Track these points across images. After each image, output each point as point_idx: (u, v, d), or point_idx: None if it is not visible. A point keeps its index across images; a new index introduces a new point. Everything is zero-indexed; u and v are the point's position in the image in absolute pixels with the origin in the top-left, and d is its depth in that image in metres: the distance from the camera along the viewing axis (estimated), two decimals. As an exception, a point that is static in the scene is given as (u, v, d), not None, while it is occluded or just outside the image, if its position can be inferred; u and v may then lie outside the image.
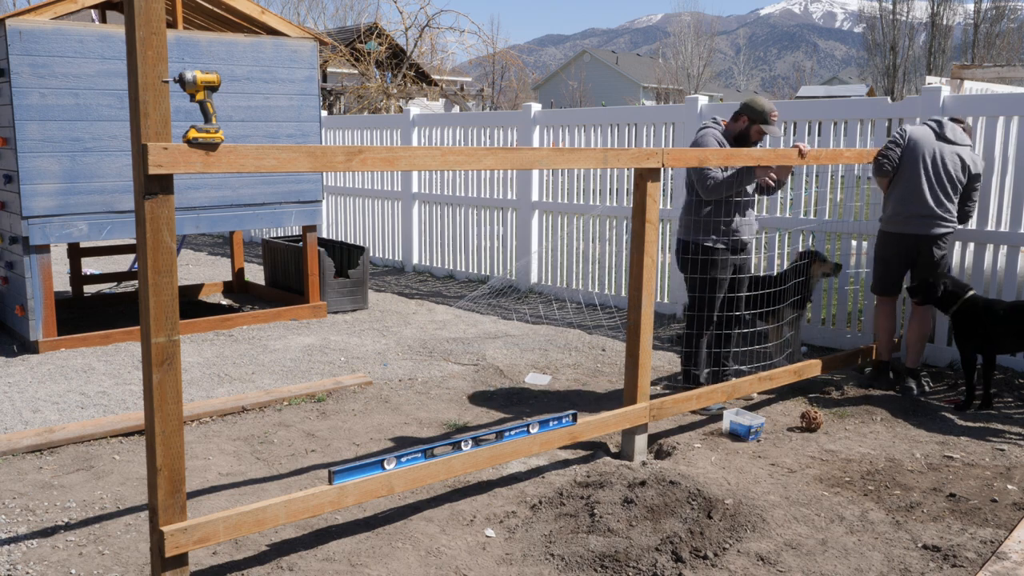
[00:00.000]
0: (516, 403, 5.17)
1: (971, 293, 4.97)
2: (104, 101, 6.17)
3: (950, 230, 5.18)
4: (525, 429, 3.75)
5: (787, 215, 6.68)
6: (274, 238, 8.50)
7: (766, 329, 5.59)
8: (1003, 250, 5.73)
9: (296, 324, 7.15)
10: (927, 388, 5.34)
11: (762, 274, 5.76)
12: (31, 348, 6.15)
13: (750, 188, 4.88)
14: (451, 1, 59.46)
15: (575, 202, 8.13)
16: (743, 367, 5.60)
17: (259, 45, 6.77)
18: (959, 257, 5.80)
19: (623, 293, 7.74)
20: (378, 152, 3.14)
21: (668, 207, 7.38)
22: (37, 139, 5.92)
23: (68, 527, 3.49)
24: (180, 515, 2.81)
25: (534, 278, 8.52)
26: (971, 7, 48.61)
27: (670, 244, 7.38)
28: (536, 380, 5.63)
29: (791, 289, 5.42)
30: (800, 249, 6.26)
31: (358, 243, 9.96)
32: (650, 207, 4.05)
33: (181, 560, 2.83)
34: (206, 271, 10.11)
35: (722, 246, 4.84)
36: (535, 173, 8.39)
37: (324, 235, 10.64)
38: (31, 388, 5.33)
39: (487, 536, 3.43)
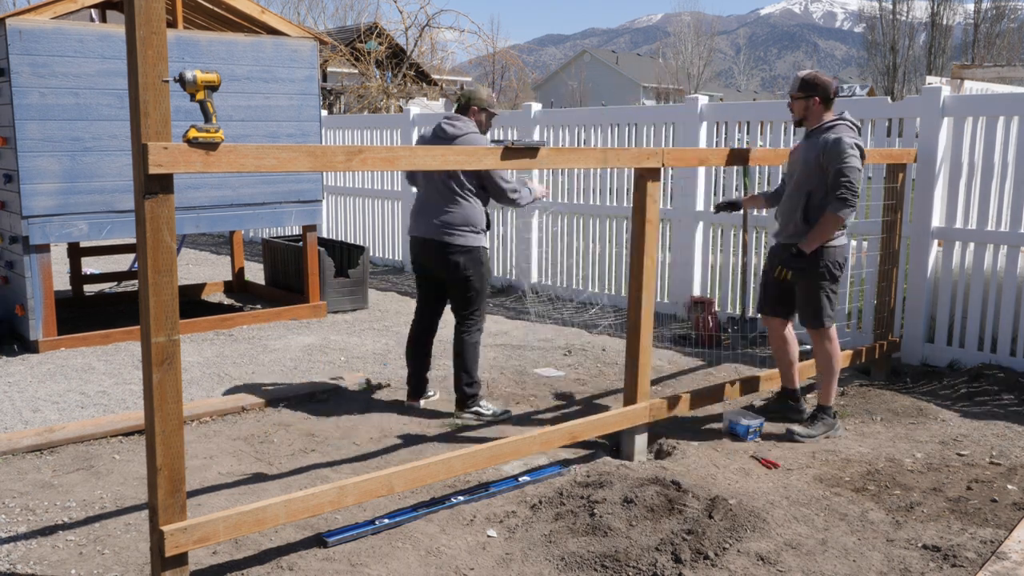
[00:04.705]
0: (517, 403, 5.17)
1: None
2: (104, 101, 6.17)
3: None
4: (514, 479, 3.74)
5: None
6: (274, 238, 8.50)
7: None
8: (1003, 250, 5.73)
9: (296, 324, 7.15)
10: None
11: None
12: (31, 347, 6.15)
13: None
14: (451, 1, 59.43)
15: (575, 202, 8.13)
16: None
17: (259, 45, 6.77)
18: (959, 257, 5.80)
19: (623, 293, 7.74)
20: (378, 152, 3.14)
21: (668, 207, 7.38)
22: (37, 138, 5.92)
23: (68, 527, 3.48)
24: (180, 515, 2.81)
25: (534, 277, 8.51)
26: (971, 7, 48.62)
27: (670, 243, 7.38)
28: (549, 373, 5.80)
29: None
30: None
31: (358, 243, 9.96)
32: (650, 207, 4.05)
33: (181, 560, 2.83)
34: (206, 270, 10.11)
35: (486, 246, 4.77)
36: (535, 173, 8.39)
37: (324, 235, 10.64)
38: (31, 387, 5.33)
39: (487, 536, 3.43)
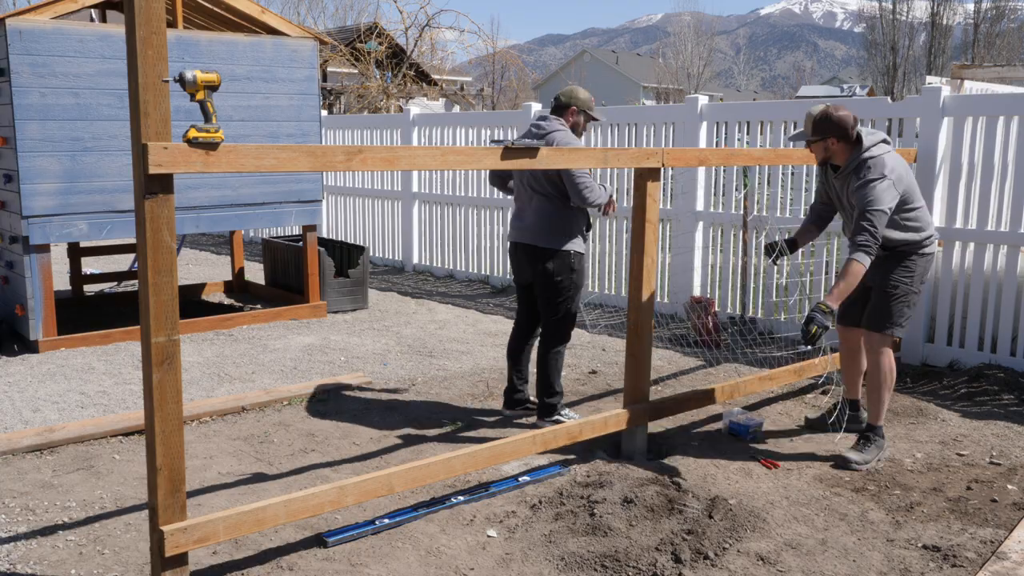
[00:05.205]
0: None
1: None
2: (104, 100, 6.17)
3: None
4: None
5: (787, 215, 6.68)
6: (274, 237, 8.50)
7: None
8: (1003, 250, 5.73)
9: (296, 324, 7.15)
10: None
11: None
12: (31, 347, 6.15)
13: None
14: (451, 1, 59.40)
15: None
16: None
17: (259, 45, 6.77)
18: (959, 257, 5.80)
19: (623, 292, 7.74)
20: (378, 152, 3.14)
21: (668, 207, 7.38)
22: (37, 138, 5.92)
23: (68, 527, 3.49)
24: (180, 515, 2.81)
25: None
26: (971, 7, 48.59)
27: (670, 244, 7.38)
28: None
29: None
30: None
31: (358, 243, 9.97)
32: (650, 207, 4.05)
33: (181, 560, 2.83)
34: (206, 270, 10.11)
35: (584, 252, 4.68)
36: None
37: (324, 235, 10.64)
38: (31, 387, 5.33)
39: (487, 536, 3.43)
